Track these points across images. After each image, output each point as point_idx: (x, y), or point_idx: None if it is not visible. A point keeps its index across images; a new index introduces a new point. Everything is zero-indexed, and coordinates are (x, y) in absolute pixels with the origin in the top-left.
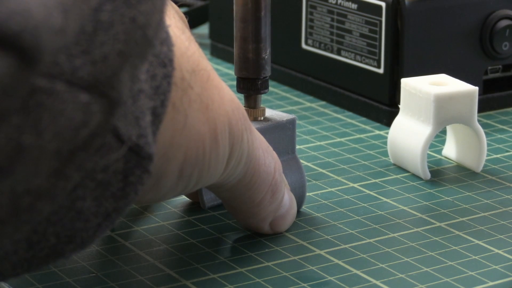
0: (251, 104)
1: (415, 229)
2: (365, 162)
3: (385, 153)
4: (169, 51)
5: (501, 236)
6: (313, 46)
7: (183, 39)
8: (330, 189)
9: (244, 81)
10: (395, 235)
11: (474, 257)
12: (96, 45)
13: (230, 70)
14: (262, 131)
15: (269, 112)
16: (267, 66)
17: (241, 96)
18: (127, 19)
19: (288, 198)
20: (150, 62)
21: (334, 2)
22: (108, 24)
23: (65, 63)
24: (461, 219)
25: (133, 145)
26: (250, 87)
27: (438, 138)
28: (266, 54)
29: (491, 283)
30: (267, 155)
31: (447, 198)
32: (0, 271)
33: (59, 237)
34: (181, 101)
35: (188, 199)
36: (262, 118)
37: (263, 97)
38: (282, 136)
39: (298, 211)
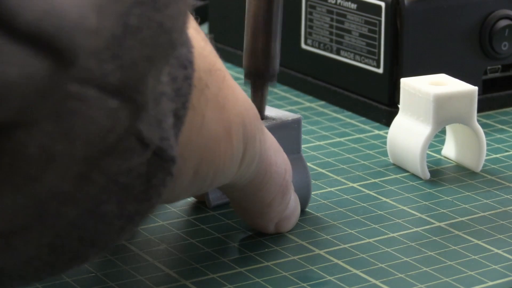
0: (257, 101)
1: (415, 229)
2: (365, 162)
3: (385, 153)
4: (189, 53)
5: (501, 236)
6: (312, 46)
7: (199, 39)
8: (329, 189)
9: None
10: (394, 235)
11: (473, 257)
12: (125, 49)
13: (230, 70)
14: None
15: (274, 112)
16: (276, 60)
17: None
18: (154, 24)
19: (293, 199)
20: (171, 64)
21: (333, 2)
22: (137, 28)
23: (95, 67)
24: (460, 219)
25: (156, 148)
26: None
27: (438, 138)
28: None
29: (490, 283)
30: (278, 156)
31: (446, 198)
32: (23, 275)
33: (82, 240)
34: (198, 101)
35: (189, 198)
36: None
37: None
38: (287, 135)
39: (303, 211)
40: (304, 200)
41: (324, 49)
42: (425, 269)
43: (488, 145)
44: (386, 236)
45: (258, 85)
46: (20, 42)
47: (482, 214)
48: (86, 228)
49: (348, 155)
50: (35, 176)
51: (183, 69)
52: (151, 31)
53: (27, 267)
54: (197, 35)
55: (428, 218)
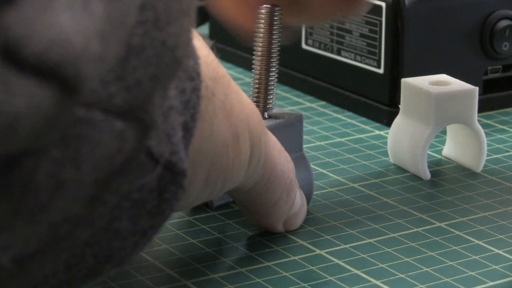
0: None
1: (415, 229)
2: (365, 162)
3: (385, 153)
4: (195, 64)
5: (501, 236)
6: (313, 46)
7: (202, 47)
8: (330, 189)
9: None
10: (395, 235)
11: (474, 257)
12: (129, 70)
13: (230, 71)
14: (270, 130)
15: (276, 110)
16: None
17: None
18: (157, 42)
19: (299, 196)
20: (179, 77)
21: None
22: (140, 48)
23: (100, 90)
24: (461, 219)
25: (166, 162)
26: None
27: (438, 138)
28: None
29: (491, 283)
30: (281, 155)
31: (447, 198)
32: None
33: (97, 257)
34: (206, 110)
35: None
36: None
37: None
38: (289, 134)
39: None
40: (307, 198)
41: (324, 49)
42: (425, 269)
43: (488, 145)
44: (386, 236)
45: None
46: (27, 73)
47: (483, 214)
48: (101, 245)
49: (348, 155)
50: (45, 204)
51: (191, 81)
52: (155, 50)
53: (44, 285)
54: (198, 42)
55: (428, 218)
